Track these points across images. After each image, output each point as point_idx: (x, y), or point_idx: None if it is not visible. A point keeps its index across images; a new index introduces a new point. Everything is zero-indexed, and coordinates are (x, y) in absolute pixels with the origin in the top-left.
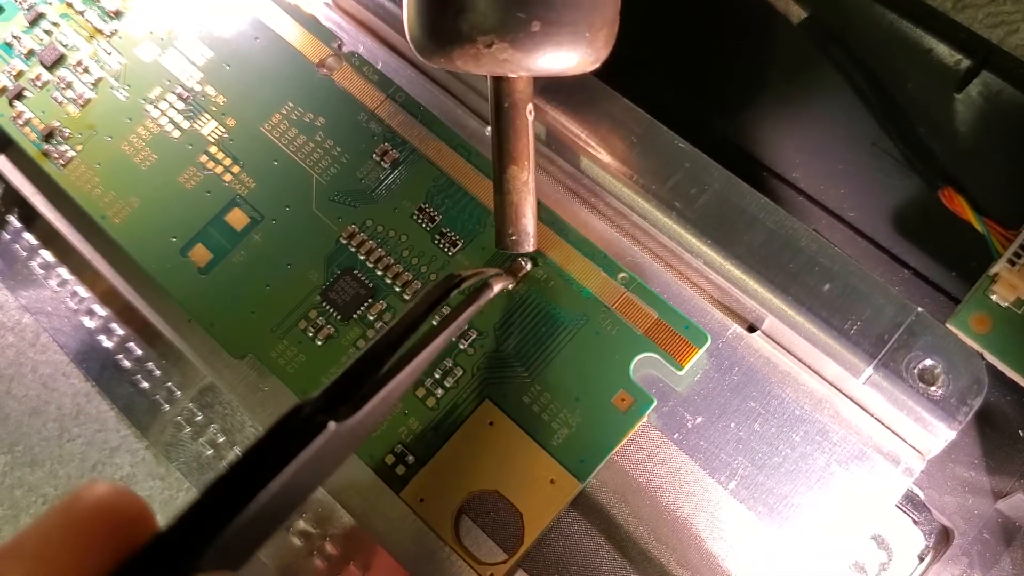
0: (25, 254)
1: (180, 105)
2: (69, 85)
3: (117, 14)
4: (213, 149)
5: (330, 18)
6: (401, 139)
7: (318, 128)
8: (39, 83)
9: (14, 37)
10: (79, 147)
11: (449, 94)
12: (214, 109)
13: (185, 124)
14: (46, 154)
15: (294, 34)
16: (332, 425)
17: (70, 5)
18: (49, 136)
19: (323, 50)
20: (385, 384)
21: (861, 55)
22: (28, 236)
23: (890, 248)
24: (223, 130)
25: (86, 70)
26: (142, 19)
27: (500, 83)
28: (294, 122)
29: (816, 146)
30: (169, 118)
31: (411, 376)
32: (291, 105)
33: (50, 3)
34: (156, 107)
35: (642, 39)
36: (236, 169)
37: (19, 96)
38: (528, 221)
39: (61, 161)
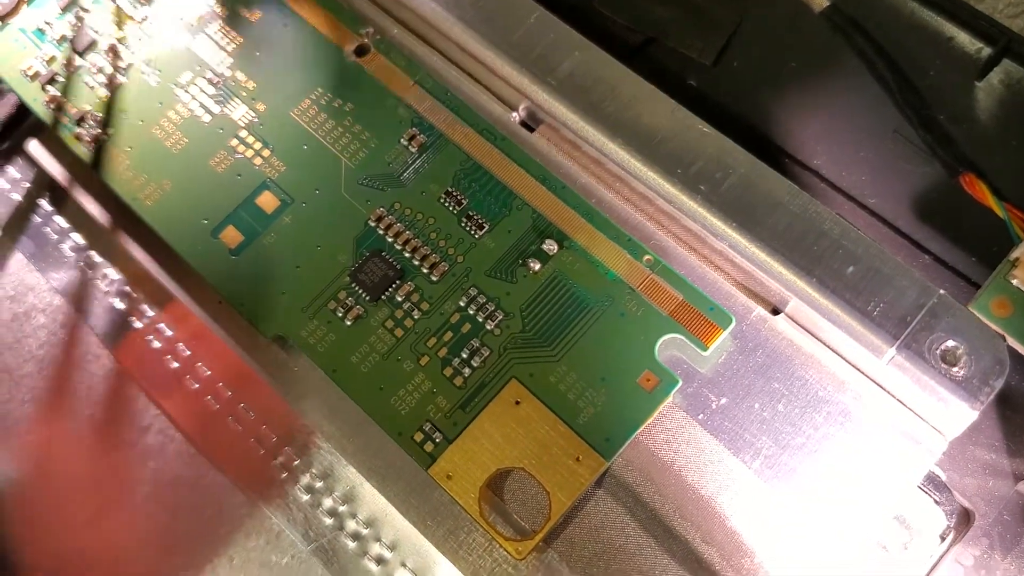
0: (56, 237)
1: (211, 90)
2: (100, 70)
3: (147, 0)
4: (243, 133)
5: (358, 4)
6: (428, 124)
7: (347, 113)
8: (71, 68)
9: (46, 23)
10: (111, 131)
11: (474, 80)
12: (244, 94)
13: (216, 108)
14: (78, 137)
15: (323, 20)
16: None
17: None
18: (81, 120)
19: (352, 36)
20: None
21: (883, 43)
22: (59, 219)
23: (911, 234)
24: (253, 114)
25: (117, 55)
26: (172, 5)
27: None
28: (323, 107)
29: (838, 133)
30: (200, 103)
31: None
32: (320, 91)
33: None
34: (187, 91)
35: (666, 25)
36: (266, 153)
37: (51, 81)
38: None
39: (93, 145)
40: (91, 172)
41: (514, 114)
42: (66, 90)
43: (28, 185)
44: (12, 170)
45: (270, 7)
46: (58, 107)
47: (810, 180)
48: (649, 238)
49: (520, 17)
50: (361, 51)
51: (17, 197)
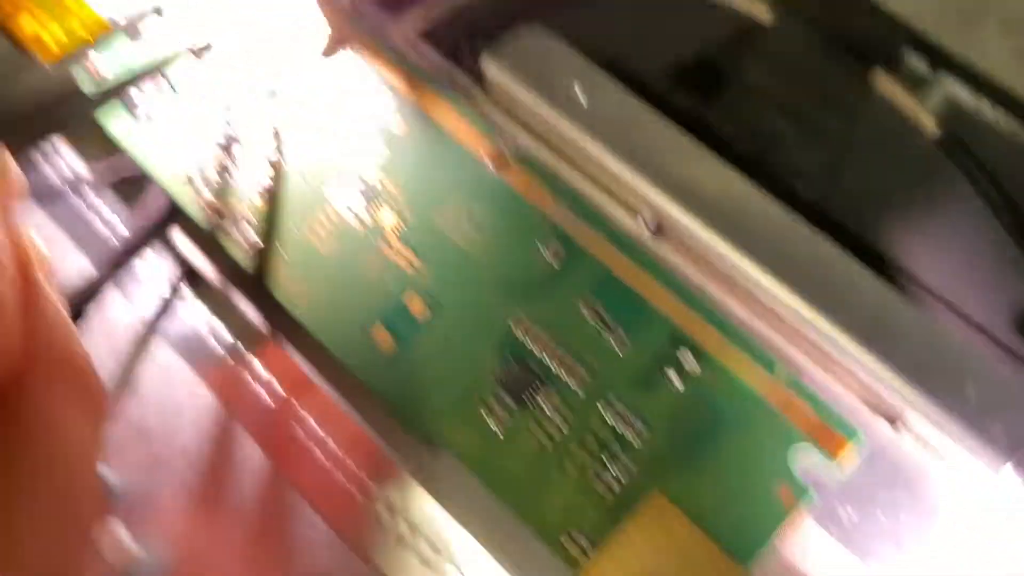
0: (204, 331)
1: (359, 196)
2: (252, 174)
3: (304, 108)
4: (392, 239)
5: (498, 117)
6: (567, 235)
7: (489, 224)
8: (225, 171)
9: (199, 124)
10: (265, 233)
11: (606, 190)
12: (391, 201)
13: (365, 215)
14: (231, 238)
15: (465, 132)
16: None
17: (251, 94)
18: (235, 222)
19: (492, 147)
20: None
21: (994, 168)
22: (207, 314)
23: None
24: (400, 221)
25: (269, 159)
26: (323, 113)
27: None
28: (467, 217)
29: (949, 250)
30: (350, 209)
31: None
32: (464, 200)
33: (230, 88)
34: (338, 198)
35: (778, 136)
36: (414, 259)
37: (205, 184)
38: None
39: (248, 246)
40: (243, 271)
41: (642, 221)
42: (220, 192)
43: (173, 278)
44: (158, 262)
45: (415, 119)
46: (213, 209)
47: (924, 296)
48: (781, 351)
49: (652, 133)
50: (501, 163)
51: (163, 290)
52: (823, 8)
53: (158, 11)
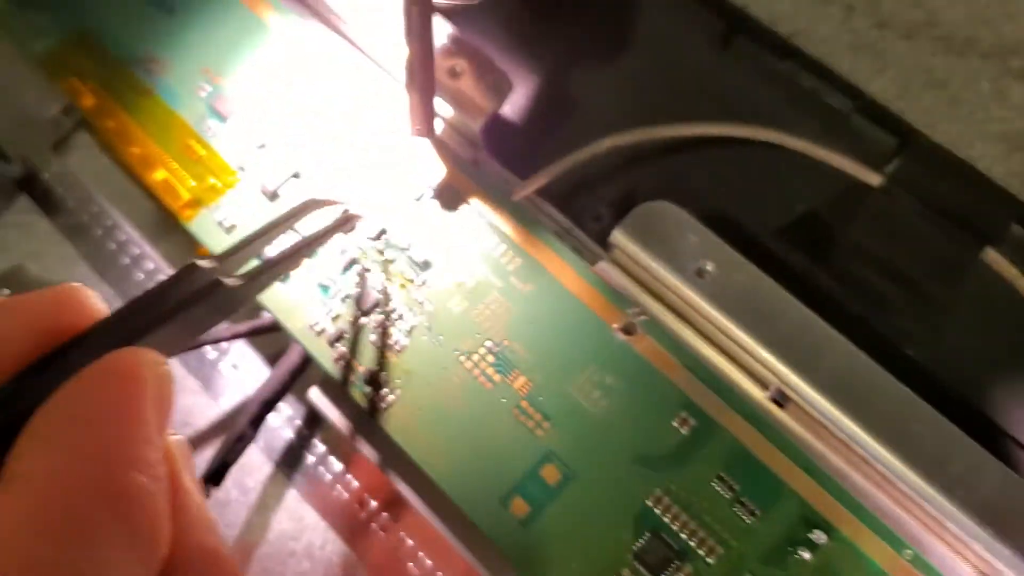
0: (330, 479)
1: (490, 358)
2: (385, 331)
3: (425, 264)
4: (524, 403)
5: (622, 282)
6: (697, 407)
7: (619, 392)
8: (356, 326)
9: (330, 279)
10: (398, 391)
11: (739, 366)
12: (523, 365)
13: (496, 376)
14: (367, 397)
15: (591, 296)
16: (225, 283)
17: (380, 252)
18: (369, 379)
19: (619, 314)
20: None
21: None
22: (335, 463)
23: None
24: (532, 385)
25: (400, 317)
26: (449, 271)
27: (411, 7)
28: (597, 383)
29: None
30: (481, 370)
31: (277, 268)
32: (593, 367)
33: (361, 249)
34: (469, 358)
35: (883, 296)
36: (546, 425)
37: (338, 338)
38: (429, 113)
39: (383, 405)
40: (374, 425)
41: (768, 392)
42: (353, 348)
43: (300, 423)
44: (288, 409)
45: (541, 279)
46: (346, 364)
47: None
48: (903, 527)
49: (781, 312)
50: (629, 330)
51: (290, 434)
52: (932, 174)
53: (296, 175)
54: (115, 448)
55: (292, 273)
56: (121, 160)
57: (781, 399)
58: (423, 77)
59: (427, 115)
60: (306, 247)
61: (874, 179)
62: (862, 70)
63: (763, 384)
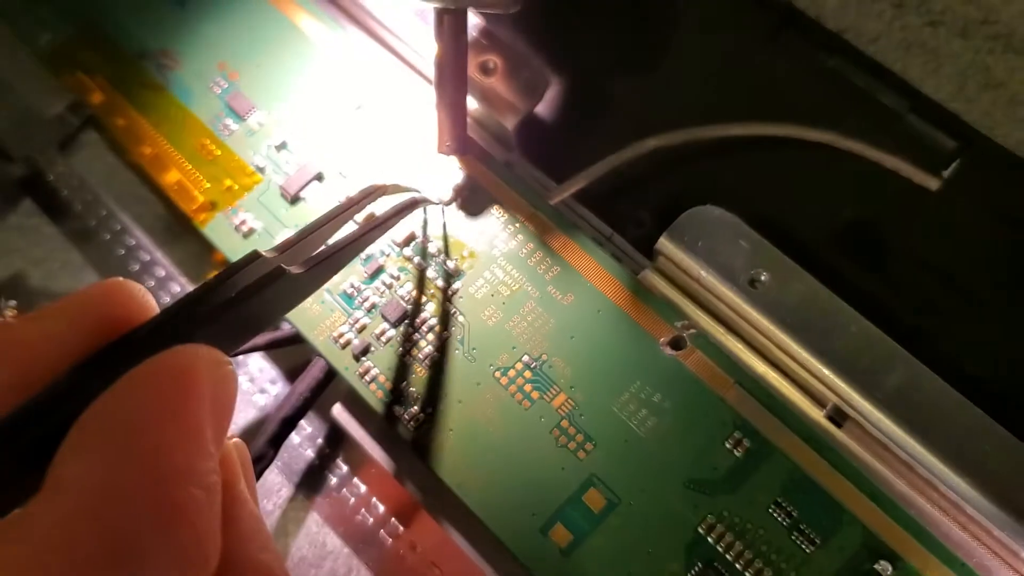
0: (353, 501)
1: (528, 374)
2: (415, 344)
3: (457, 273)
4: (564, 423)
5: (671, 295)
6: (752, 428)
7: (667, 411)
8: (383, 339)
9: (353, 287)
10: (428, 409)
11: (795, 383)
12: (562, 381)
13: (534, 394)
14: (394, 415)
15: (636, 309)
16: (289, 270)
17: (408, 260)
18: (396, 396)
19: (667, 328)
20: (328, 255)
21: None
22: (360, 485)
23: None
24: (573, 403)
25: (431, 329)
26: (482, 280)
27: (443, 15)
28: (643, 402)
29: None
30: (518, 386)
31: (341, 256)
32: (639, 384)
33: (387, 256)
34: (504, 374)
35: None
36: (589, 447)
37: (365, 352)
38: (460, 130)
39: (411, 423)
40: (402, 445)
41: (824, 410)
42: (380, 362)
43: (322, 442)
44: (309, 427)
45: (581, 289)
46: (372, 379)
47: None
48: (971, 555)
49: (840, 324)
50: (677, 344)
51: (311, 454)
52: (994, 178)
53: (319, 177)
54: (166, 457)
55: None
56: (131, 160)
57: (839, 418)
58: (454, 85)
59: (457, 128)
60: (370, 233)
61: (932, 183)
62: (915, 69)
63: (820, 402)
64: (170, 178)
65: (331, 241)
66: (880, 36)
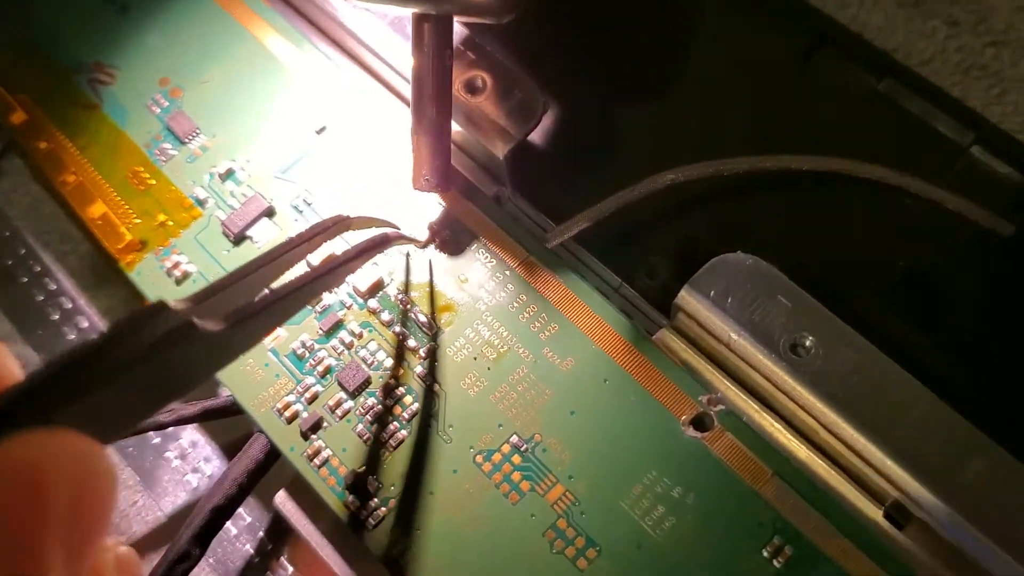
0: None
1: (517, 459)
2: (378, 419)
3: (433, 330)
4: (561, 523)
5: (694, 363)
6: (795, 531)
7: (690, 508)
8: (339, 412)
9: (305, 346)
10: (391, 502)
11: (847, 474)
12: (559, 469)
13: (524, 485)
14: (350, 508)
15: (653, 379)
16: (203, 327)
17: (374, 313)
18: (355, 485)
19: (689, 404)
20: (263, 306)
21: None
22: None
23: None
24: (572, 498)
25: (398, 400)
26: (464, 340)
27: (423, 23)
28: (660, 497)
29: None
30: (504, 476)
31: (284, 307)
32: (654, 474)
33: (348, 307)
34: (487, 459)
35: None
36: (591, 553)
37: (315, 428)
38: (442, 161)
39: (371, 520)
40: (359, 546)
41: (883, 508)
42: (334, 441)
43: (263, 536)
44: (248, 516)
45: (584, 352)
46: (323, 463)
47: None
48: None
49: (903, 401)
50: (701, 424)
51: (250, 549)
52: None
53: (270, 213)
54: None
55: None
56: (54, 190)
57: (901, 517)
58: (436, 107)
59: (439, 158)
60: (323, 278)
61: (1006, 228)
62: (977, 94)
63: (879, 498)
64: (95, 211)
65: (275, 285)
66: (933, 58)
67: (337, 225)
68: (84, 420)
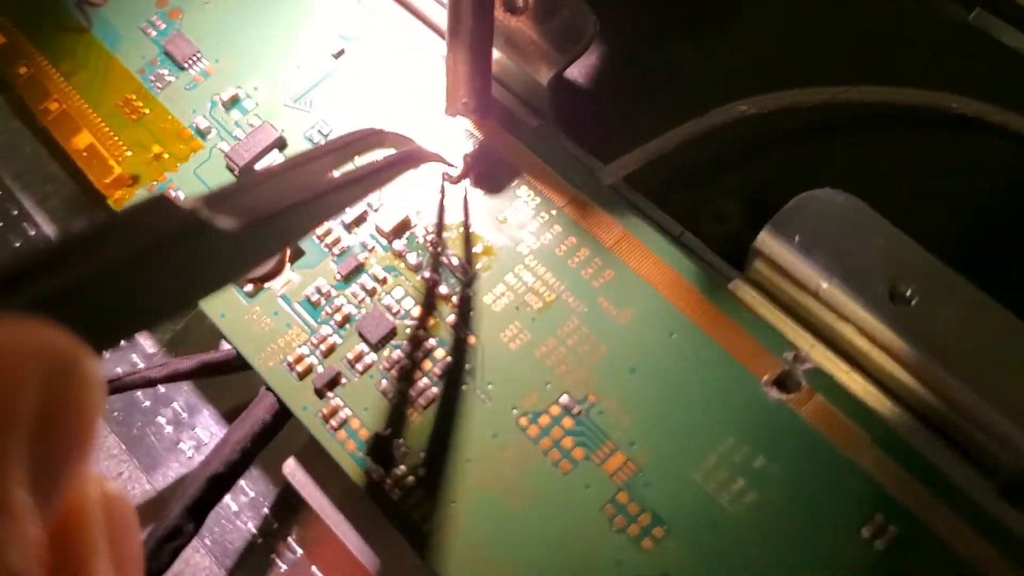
0: None
1: (568, 423)
2: (404, 374)
3: (468, 275)
4: (622, 497)
5: (769, 313)
6: (900, 508)
7: (772, 479)
8: (360, 367)
9: (320, 293)
10: (421, 470)
11: (958, 444)
12: (619, 435)
13: (578, 452)
14: (371, 477)
15: (728, 333)
16: (213, 224)
17: (399, 256)
18: (378, 450)
19: (772, 362)
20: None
21: None
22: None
23: None
24: (634, 467)
25: (428, 354)
26: (504, 287)
27: None
28: (738, 467)
29: None
30: (554, 441)
31: (307, 215)
32: (732, 441)
33: (370, 250)
34: (533, 421)
35: None
36: (658, 532)
37: (332, 384)
38: (482, 81)
39: (396, 491)
40: (381, 522)
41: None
42: (354, 399)
43: (268, 512)
44: (251, 489)
45: (645, 301)
46: (341, 425)
47: None
48: None
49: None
50: (786, 384)
51: (251, 528)
52: None
53: (281, 145)
54: None
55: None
56: (35, 125)
57: (1020, 493)
58: (476, 21)
59: (477, 79)
60: (355, 184)
61: None
62: None
63: (994, 471)
64: (80, 142)
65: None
66: None
67: (370, 137)
68: (68, 317)
